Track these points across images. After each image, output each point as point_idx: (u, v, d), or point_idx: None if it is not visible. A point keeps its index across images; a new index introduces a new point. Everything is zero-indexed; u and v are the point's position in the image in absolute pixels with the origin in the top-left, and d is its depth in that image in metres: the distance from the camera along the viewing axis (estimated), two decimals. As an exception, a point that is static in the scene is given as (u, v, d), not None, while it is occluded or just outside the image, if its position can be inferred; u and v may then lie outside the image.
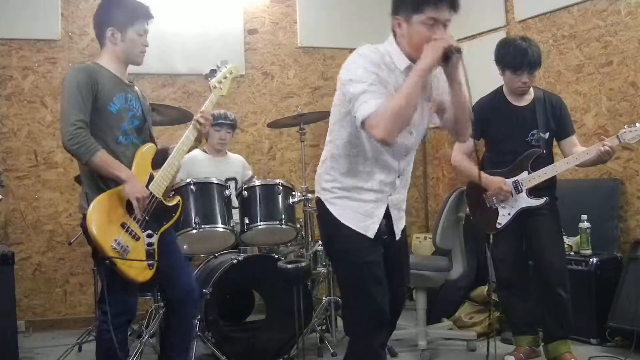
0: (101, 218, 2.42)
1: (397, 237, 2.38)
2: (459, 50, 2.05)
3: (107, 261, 2.40)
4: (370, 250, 2.26)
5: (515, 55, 3.16)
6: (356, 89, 2.08)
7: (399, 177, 2.30)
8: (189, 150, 2.82)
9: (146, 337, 3.47)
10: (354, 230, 2.25)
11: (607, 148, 3.03)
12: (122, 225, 2.47)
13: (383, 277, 2.27)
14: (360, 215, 2.26)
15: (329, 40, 5.37)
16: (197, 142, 2.82)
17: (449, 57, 2.04)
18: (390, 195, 2.30)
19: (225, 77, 2.86)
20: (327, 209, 2.30)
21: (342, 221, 2.26)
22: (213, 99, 2.81)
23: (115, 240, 2.42)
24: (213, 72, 2.85)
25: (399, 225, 2.38)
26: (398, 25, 2.16)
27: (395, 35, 2.20)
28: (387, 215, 2.31)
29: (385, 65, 2.15)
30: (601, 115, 4.05)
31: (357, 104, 2.07)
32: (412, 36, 2.12)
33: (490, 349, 3.44)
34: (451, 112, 2.25)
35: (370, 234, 2.25)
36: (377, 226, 2.26)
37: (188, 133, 2.72)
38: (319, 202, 2.34)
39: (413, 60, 2.14)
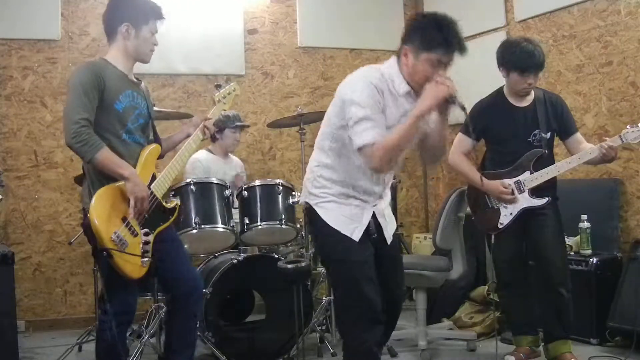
0: (103, 210, 2.42)
1: (389, 241, 2.48)
2: (462, 107, 2.23)
3: (105, 253, 2.39)
4: (360, 250, 2.35)
5: (523, 57, 3.16)
6: (359, 112, 2.21)
7: (384, 188, 2.44)
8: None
9: (146, 337, 3.46)
10: (342, 233, 2.34)
11: (607, 145, 3.04)
12: (123, 219, 2.48)
13: (375, 276, 2.35)
14: (346, 219, 2.36)
15: (329, 40, 5.37)
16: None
17: (446, 102, 2.20)
18: (375, 205, 2.42)
19: (229, 94, 3.00)
20: (316, 213, 2.40)
21: (330, 224, 2.36)
22: (216, 112, 2.94)
23: (115, 233, 2.43)
24: (218, 87, 2.99)
25: (388, 230, 2.48)
26: (405, 55, 2.28)
27: (398, 58, 2.32)
28: (376, 222, 2.42)
29: (387, 91, 2.28)
30: (601, 115, 4.05)
31: (357, 129, 2.21)
32: (415, 69, 2.25)
33: (491, 349, 3.44)
34: (432, 140, 2.38)
35: (355, 237, 2.34)
36: (362, 231, 2.36)
37: (190, 141, 2.80)
38: (308, 207, 2.45)
39: (412, 86, 2.29)
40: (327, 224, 2.37)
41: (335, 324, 3.85)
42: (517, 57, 3.17)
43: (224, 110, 2.99)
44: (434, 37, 2.20)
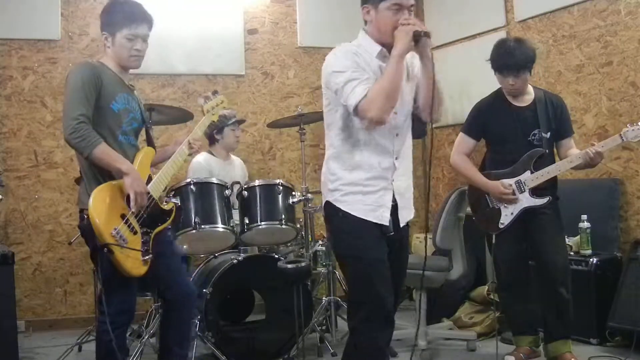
0: (102, 206, 2.42)
1: (402, 224, 2.46)
2: (427, 34, 2.27)
3: (105, 249, 2.38)
4: (376, 249, 2.35)
5: (501, 57, 3.16)
6: (341, 78, 2.28)
7: (396, 158, 2.40)
8: None
9: (146, 337, 3.47)
10: (367, 222, 2.33)
11: (592, 155, 3.05)
12: (122, 216, 2.48)
13: (389, 275, 2.35)
14: (370, 206, 2.35)
15: (329, 40, 5.26)
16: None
17: (418, 40, 2.26)
18: (393, 181, 2.39)
19: (217, 105, 3.04)
20: (338, 208, 2.38)
21: (355, 214, 2.35)
22: (205, 122, 2.98)
23: (115, 229, 2.42)
24: (207, 99, 3.02)
25: (403, 214, 2.45)
26: (367, 13, 2.37)
27: (365, 25, 2.41)
28: (393, 206, 2.39)
29: (360, 54, 2.37)
30: (601, 115, 4.05)
31: (346, 93, 2.26)
32: (380, 21, 2.33)
33: (491, 349, 3.44)
34: (424, 90, 2.40)
35: (385, 221, 2.35)
36: (389, 213, 2.36)
37: (183, 146, 2.82)
38: (328, 205, 2.42)
39: (383, 44, 2.35)
40: (352, 215, 2.34)
41: (336, 323, 3.87)
42: (498, 57, 3.17)
43: (213, 121, 3.04)
44: None
